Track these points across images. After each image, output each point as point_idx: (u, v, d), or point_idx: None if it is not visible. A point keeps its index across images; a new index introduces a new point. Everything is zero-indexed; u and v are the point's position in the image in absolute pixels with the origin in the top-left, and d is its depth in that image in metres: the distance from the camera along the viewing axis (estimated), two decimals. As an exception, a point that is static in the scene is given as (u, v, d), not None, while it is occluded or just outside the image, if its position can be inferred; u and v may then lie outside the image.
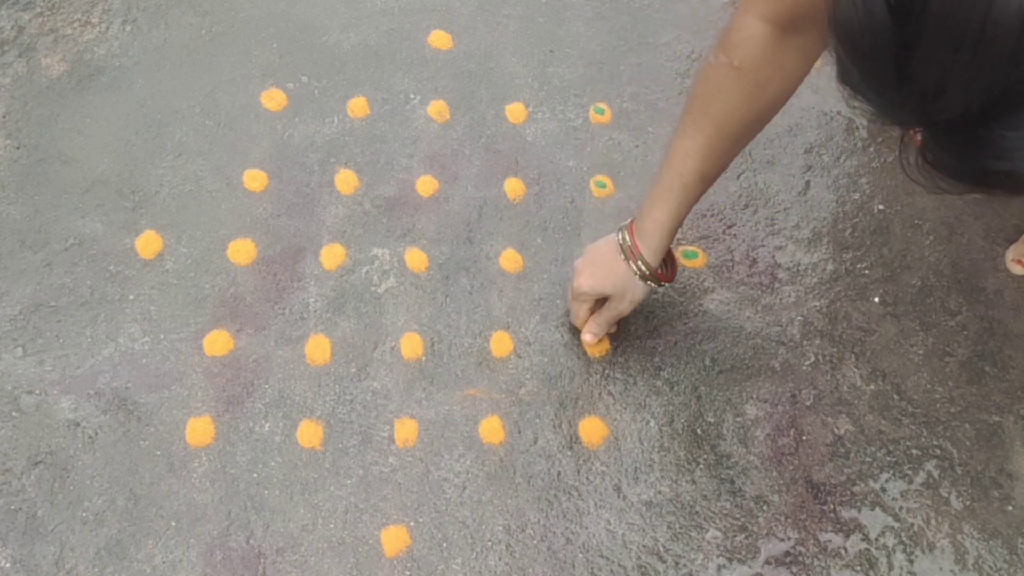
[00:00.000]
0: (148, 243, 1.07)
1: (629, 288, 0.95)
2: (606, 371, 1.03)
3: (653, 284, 0.95)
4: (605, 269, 0.96)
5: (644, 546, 0.93)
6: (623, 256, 0.94)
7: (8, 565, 0.89)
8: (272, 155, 1.14)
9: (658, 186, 0.90)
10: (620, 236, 0.94)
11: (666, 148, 0.90)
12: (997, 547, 0.94)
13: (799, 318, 1.07)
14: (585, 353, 1.03)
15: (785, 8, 0.78)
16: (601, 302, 0.99)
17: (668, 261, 0.98)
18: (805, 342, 1.06)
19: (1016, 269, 1.11)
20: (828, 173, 1.17)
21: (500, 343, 1.03)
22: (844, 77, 0.52)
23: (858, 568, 0.93)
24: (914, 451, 0.99)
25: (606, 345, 1.04)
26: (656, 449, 0.98)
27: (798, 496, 0.96)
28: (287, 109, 1.18)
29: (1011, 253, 1.11)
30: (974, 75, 0.45)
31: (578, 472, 0.97)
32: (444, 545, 0.92)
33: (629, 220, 0.95)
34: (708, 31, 1.29)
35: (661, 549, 0.93)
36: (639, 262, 0.93)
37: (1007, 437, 1.01)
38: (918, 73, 0.47)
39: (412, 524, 0.93)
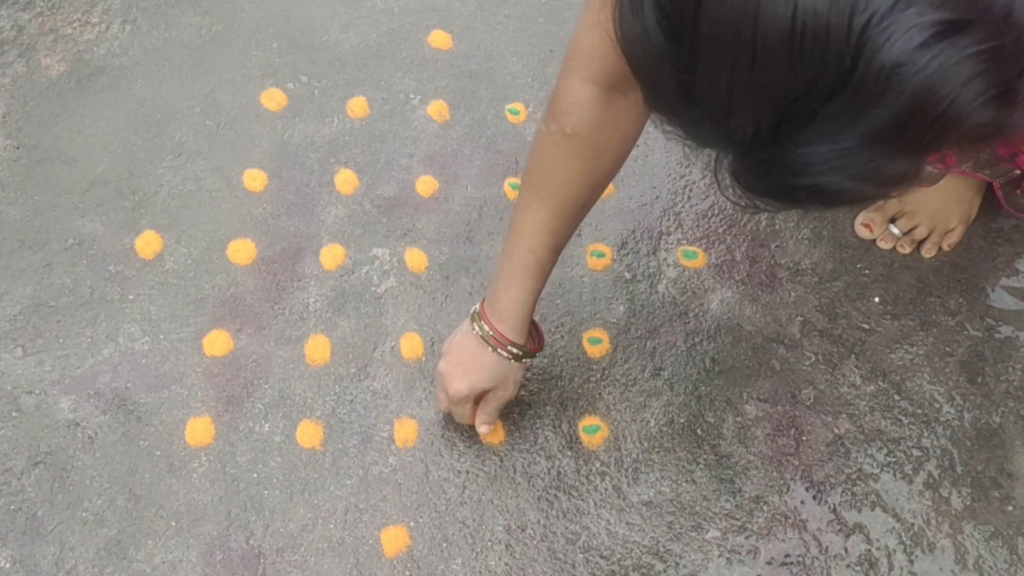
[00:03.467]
0: (148, 243, 1.07)
1: (508, 374, 0.90)
2: (606, 371, 1.03)
3: (528, 359, 0.91)
4: (476, 365, 0.89)
5: (644, 546, 0.93)
6: (489, 347, 0.88)
7: (8, 565, 0.89)
8: (272, 155, 1.14)
9: (511, 264, 0.86)
10: (477, 328, 0.88)
11: (511, 224, 0.86)
12: (997, 547, 0.94)
13: (799, 317, 1.07)
14: (585, 353, 1.03)
15: (606, 67, 0.74)
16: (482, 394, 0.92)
17: (533, 330, 0.93)
18: (805, 341, 1.05)
19: (864, 233, 1.12)
20: (828, 173, 1.17)
21: (500, 343, 1.03)
22: (648, 103, 0.52)
23: (858, 568, 0.93)
24: (914, 451, 0.99)
25: (606, 346, 1.04)
26: (656, 449, 0.98)
27: (798, 496, 0.96)
28: (287, 109, 1.18)
29: (861, 217, 1.13)
30: (755, 93, 0.45)
31: (578, 472, 0.97)
32: (444, 545, 0.92)
33: (477, 305, 0.90)
34: (708, 31, 1.28)
35: (661, 549, 0.93)
36: (509, 347, 0.88)
37: (1007, 437, 1.00)
38: (704, 95, 0.47)
39: (412, 524, 0.93)
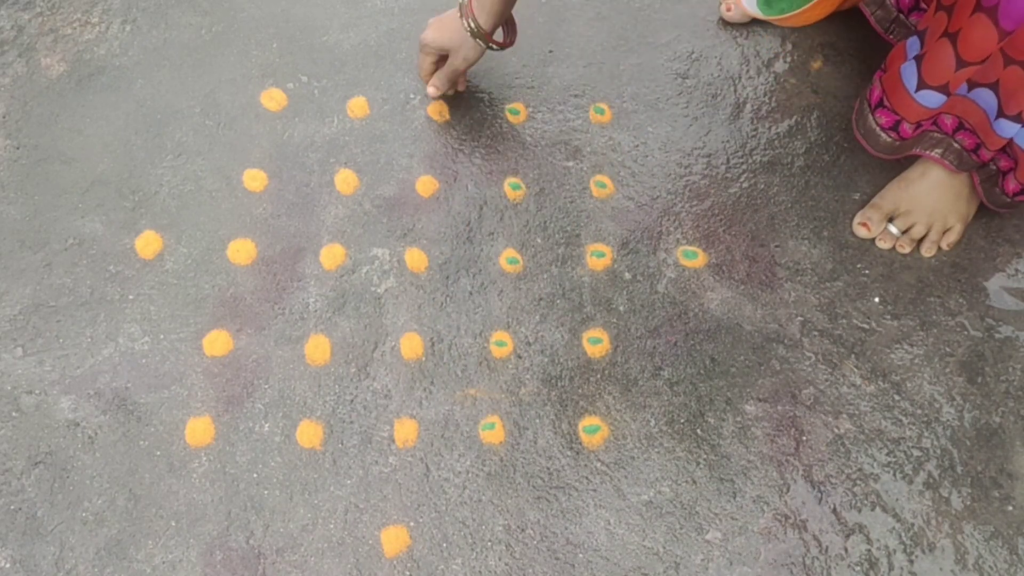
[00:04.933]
0: (148, 243, 1.07)
1: (463, 45, 1.07)
2: (606, 371, 1.03)
3: (482, 44, 1.07)
4: (445, 25, 1.09)
5: (644, 546, 0.93)
6: (460, 14, 1.05)
7: (8, 565, 0.89)
8: (272, 155, 1.15)
9: None
10: None
11: None
12: (997, 547, 0.94)
13: (799, 317, 1.07)
14: (585, 353, 1.03)
15: None
16: (444, 60, 1.12)
17: (509, 30, 1.12)
18: (805, 341, 1.05)
19: (861, 232, 1.12)
20: (828, 173, 1.17)
21: (500, 343, 1.03)
22: None
23: (859, 569, 0.93)
24: (914, 451, 0.99)
25: (606, 346, 1.04)
26: (656, 449, 0.98)
27: (798, 496, 0.96)
28: (287, 109, 1.18)
29: (858, 216, 1.13)
30: None
31: (578, 472, 0.97)
32: (444, 545, 0.92)
33: None
34: (708, 31, 1.29)
35: (661, 549, 0.93)
36: (470, 20, 1.04)
37: (1007, 437, 1.00)
38: None
39: (412, 524, 0.93)
